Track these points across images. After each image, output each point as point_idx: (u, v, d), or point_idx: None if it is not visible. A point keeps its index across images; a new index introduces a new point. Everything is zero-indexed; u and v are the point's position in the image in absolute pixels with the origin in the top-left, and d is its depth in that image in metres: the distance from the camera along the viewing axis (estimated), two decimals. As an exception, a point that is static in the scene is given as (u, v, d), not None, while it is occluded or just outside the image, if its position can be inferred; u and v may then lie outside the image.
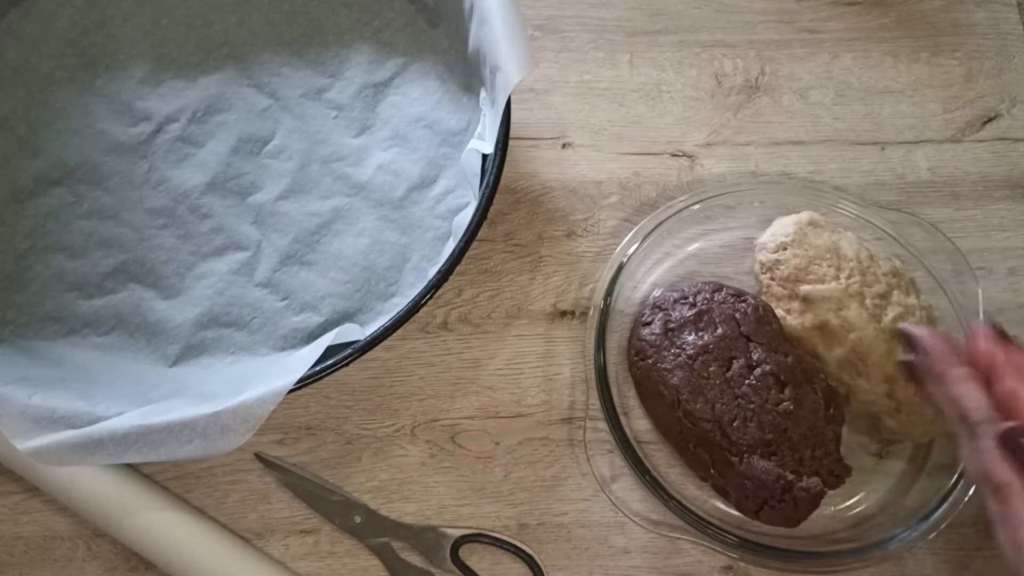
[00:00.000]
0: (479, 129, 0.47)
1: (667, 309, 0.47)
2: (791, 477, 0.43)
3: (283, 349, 0.47)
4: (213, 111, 0.52)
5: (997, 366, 0.38)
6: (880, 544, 0.44)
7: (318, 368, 0.42)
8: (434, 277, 0.43)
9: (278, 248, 0.49)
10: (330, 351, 0.43)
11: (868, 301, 0.45)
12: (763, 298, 0.47)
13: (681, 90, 0.55)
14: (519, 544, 0.46)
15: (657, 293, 0.48)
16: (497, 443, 0.48)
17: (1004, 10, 0.58)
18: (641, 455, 0.45)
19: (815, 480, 0.43)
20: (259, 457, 0.47)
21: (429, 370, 0.49)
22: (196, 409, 0.40)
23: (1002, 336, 0.39)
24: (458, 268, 0.43)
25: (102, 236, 0.49)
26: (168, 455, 0.40)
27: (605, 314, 0.47)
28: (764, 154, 0.54)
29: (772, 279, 0.47)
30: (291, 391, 0.41)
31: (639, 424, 0.48)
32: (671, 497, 0.45)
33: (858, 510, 0.46)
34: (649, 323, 0.47)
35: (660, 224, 0.49)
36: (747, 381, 0.44)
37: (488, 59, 0.45)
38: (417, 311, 0.43)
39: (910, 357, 0.42)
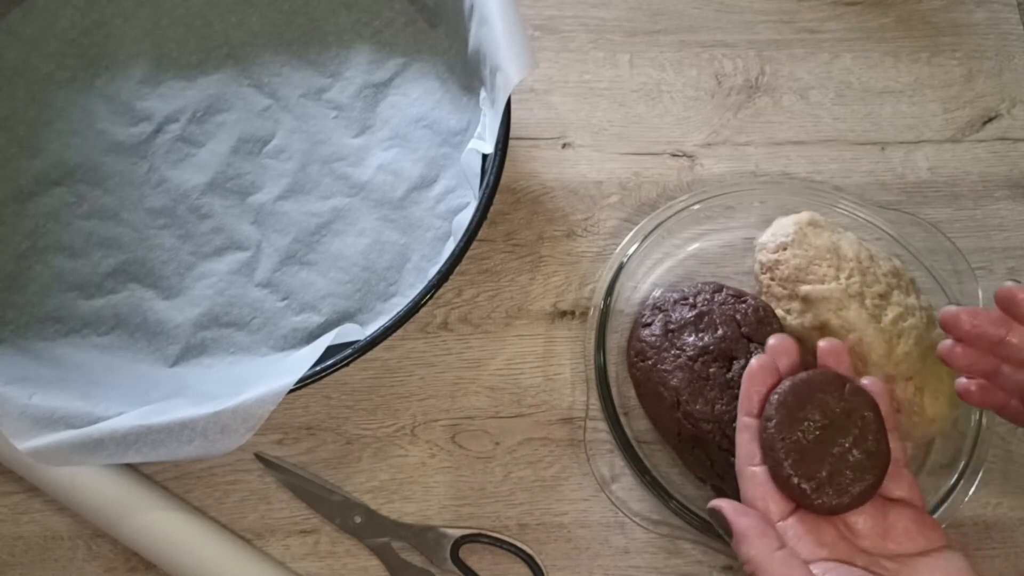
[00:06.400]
0: (479, 129, 0.47)
1: (667, 310, 0.47)
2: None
3: (283, 349, 0.47)
4: (213, 111, 0.52)
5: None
6: (880, 544, 0.44)
7: (318, 368, 0.42)
8: (434, 277, 0.43)
9: (278, 248, 0.49)
10: (330, 351, 0.43)
11: (868, 301, 0.45)
12: (763, 298, 0.47)
13: (681, 90, 0.55)
14: (519, 544, 0.46)
15: (657, 293, 0.48)
16: (497, 443, 0.48)
17: (1004, 10, 0.58)
18: (641, 455, 0.45)
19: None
20: (259, 457, 0.47)
21: (429, 370, 0.49)
22: (196, 409, 0.40)
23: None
24: (458, 268, 0.43)
25: (102, 236, 0.49)
26: (168, 455, 0.40)
27: (605, 314, 0.47)
28: (764, 154, 0.54)
29: (772, 279, 0.47)
30: (291, 391, 0.41)
31: (639, 424, 0.48)
32: (671, 497, 0.45)
33: (858, 510, 0.46)
34: (649, 324, 0.47)
35: (660, 224, 0.49)
36: (747, 381, 0.44)
37: (488, 59, 0.45)
38: (417, 311, 0.43)
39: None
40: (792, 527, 0.37)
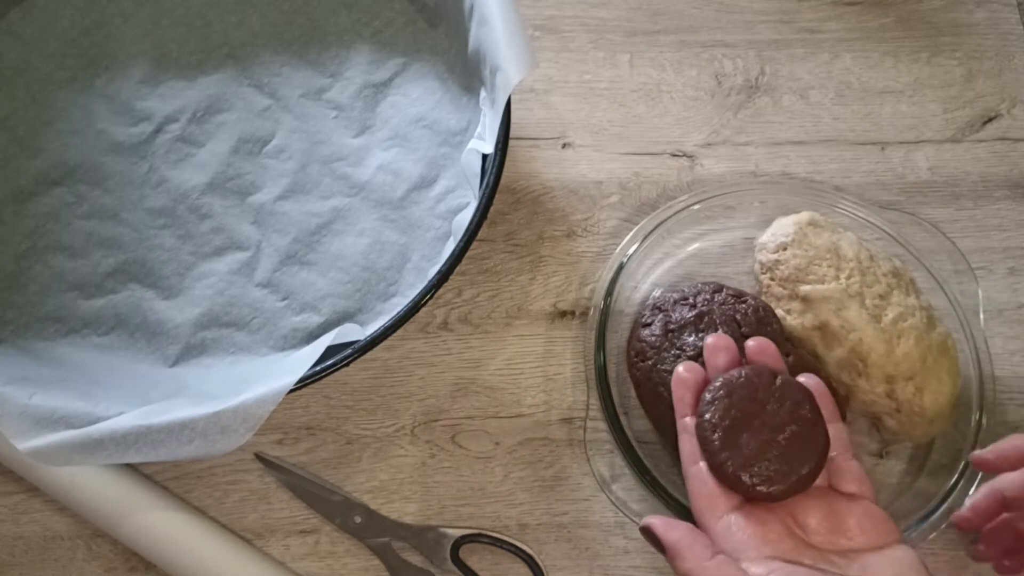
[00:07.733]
0: (479, 129, 0.47)
1: (667, 310, 0.47)
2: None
3: (283, 349, 0.47)
4: (213, 111, 0.52)
5: None
6: (880, 544, 0.44)
7: (318, 368, 0.42)
8: (434, 277, 0.43)
9: (278, 248, 0.49)
10: (330, 351, 0.43)
11: (868, 301, 0.45)
12: (763, 298, 0.47)
13: (681, 90, 0.55)
14: (519, 544, 0.46)
15: (657, 293, 0.48)
16: (497, 443, 0.48)
17: (1004, 10, 0.58)
18: (641, 455, 0.45)
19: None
20: (259, 457, 0.47)
21: (429, 370, 0.49)
22: (196, 409, 0.40)
23: None
24: (458, 268, 0.43)
25: (102, 236, 0.49)
26: (168, 455, 0.40)
27: (605, 314, 0.47)
28: (764, 154, 0.54)
29: (772, 279, 0.47)
30: (291, 391, 0.41)
31: (639, 424, 0.48)
32: (671, 497, 0.45)
33: (858, 510, 0.46)
34: (649, 324, 0.47)
35: (660, 224, 0.49)
36: (747, 381, 0.44)
37: (488, 59, 0.45)
38: (417, 311, 0.43)
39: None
40: (735, 521, 0.37)
